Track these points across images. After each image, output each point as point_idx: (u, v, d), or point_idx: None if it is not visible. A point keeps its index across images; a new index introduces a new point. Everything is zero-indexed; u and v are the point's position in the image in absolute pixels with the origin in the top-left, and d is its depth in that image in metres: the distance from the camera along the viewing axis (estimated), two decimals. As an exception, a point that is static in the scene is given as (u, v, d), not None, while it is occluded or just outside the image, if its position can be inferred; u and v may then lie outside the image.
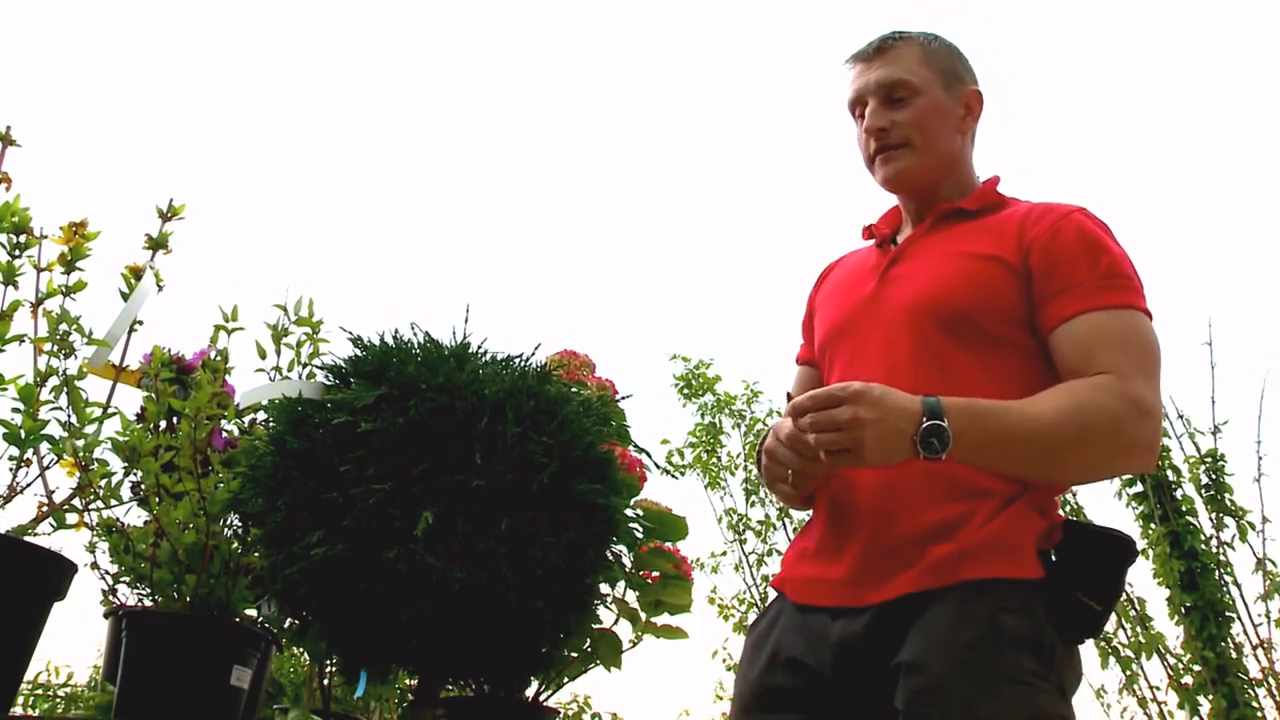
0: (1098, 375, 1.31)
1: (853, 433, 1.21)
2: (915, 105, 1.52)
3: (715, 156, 8.63)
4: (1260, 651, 4.35)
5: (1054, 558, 1.33)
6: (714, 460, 5.95)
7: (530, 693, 2.07)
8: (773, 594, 1.52)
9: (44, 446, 1.70)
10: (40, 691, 3.98)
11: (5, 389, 1.65)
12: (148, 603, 1.80)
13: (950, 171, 1.56)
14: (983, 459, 1.28)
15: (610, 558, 1.85)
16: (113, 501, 1.80)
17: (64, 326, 1.76)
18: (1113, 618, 4.41)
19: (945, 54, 1.58)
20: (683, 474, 5.86)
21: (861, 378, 1.44)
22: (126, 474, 1.82)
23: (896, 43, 1.56)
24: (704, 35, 8.29)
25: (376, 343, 1.79)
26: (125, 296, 1.93)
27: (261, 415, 2.02)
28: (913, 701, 1.21)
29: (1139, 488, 4.72)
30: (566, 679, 2.16)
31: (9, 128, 1.82)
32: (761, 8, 7.66)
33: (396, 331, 1.82)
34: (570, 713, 4.71)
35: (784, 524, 5.78)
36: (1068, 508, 4.61)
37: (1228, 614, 4.41)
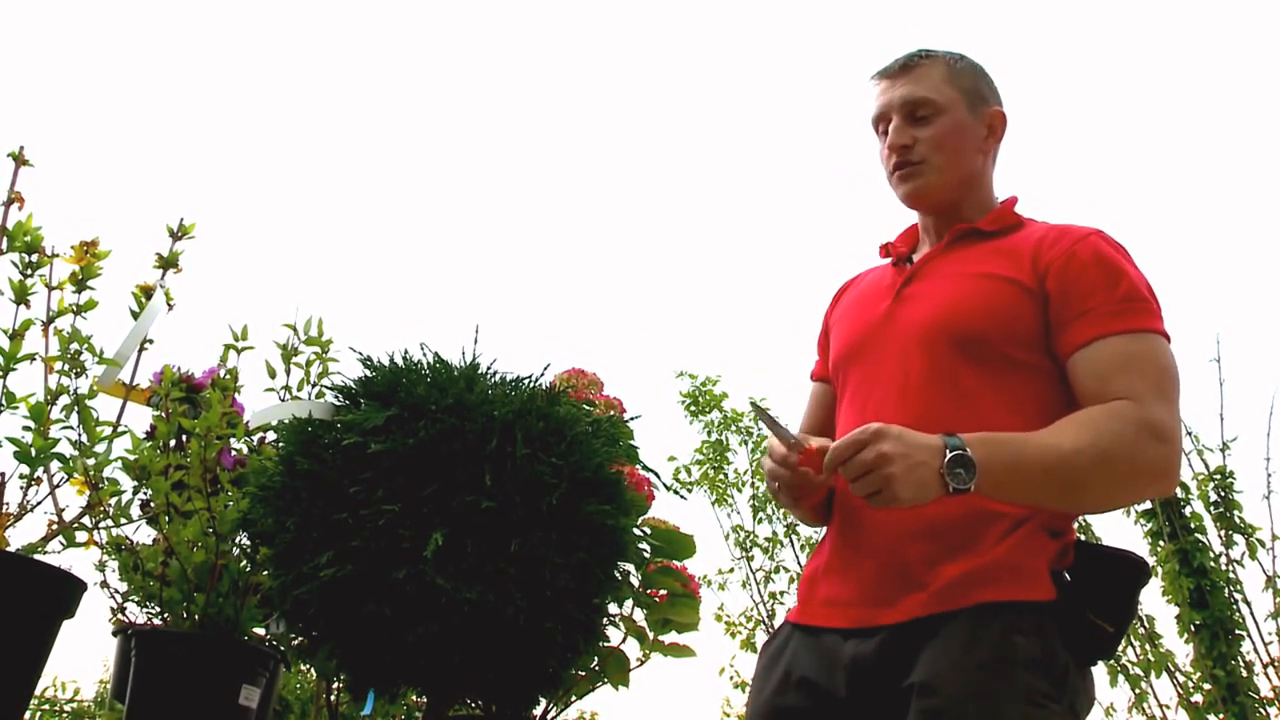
0: (1115, 401, 1.31)
1: (880, 470, 1.22)
2: (938, 124, 1.53)
3: (723, 175, 8.66)
4: (1271, 670, 4.31)
5: (1067, 578, 1.33)
6: (721, 477, 5.92)
7: (538, 711, 2.07)
8: (782, 614, 1.52)
9: (54, 465, 1.70)
10: (47, 707, 3.98)
11: (16, 407, 1.66)
12: (157, 621, 1.80)
13: (970, 191, 1.57)
14: (1004, 490, 1.28)
15: (619, 577, 1.85)
16: (122, 520, 1.81)
17: (75, 345, 1.77)
18: (1121, 636, 4.36)
19: (970, 74, 1.59)
20: (690, 491, 5.85)
21: (875, 396, 1.45)
22: (136, 492, 1.83)
23: (922, 61, 1.57)
24: (712, 55, 8.32)
25: (386, 363, 1.80)
26: (136, 315, 1.94)
27: (271, 435, 2.03)
28: (924, 723, 1.21)
29: (1148, 505, 4.69)
30: (574, 697, 2.15)
31: (21, 148, 1.83)
32: (769, 28, 7.69)
33: (406, 352, 1.83)
34: (577, 730, 4.69)
35: (791, 540, 5.76)
36: (1075, 525, 4.57)
37: (1238, 632, 4.37)
